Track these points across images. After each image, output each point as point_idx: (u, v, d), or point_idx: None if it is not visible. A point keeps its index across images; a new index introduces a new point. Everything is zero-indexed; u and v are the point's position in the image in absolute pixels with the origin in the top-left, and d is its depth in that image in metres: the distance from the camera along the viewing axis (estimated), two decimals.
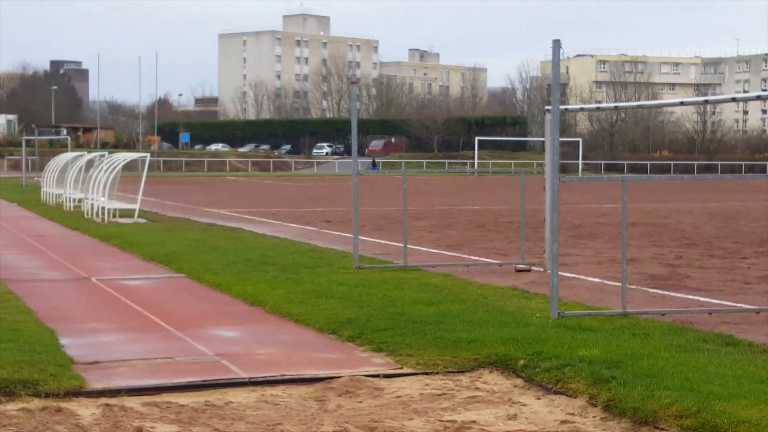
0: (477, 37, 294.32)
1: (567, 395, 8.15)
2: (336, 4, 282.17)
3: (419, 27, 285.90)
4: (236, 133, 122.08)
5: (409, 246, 16.80)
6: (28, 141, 63.99)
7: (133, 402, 8.02)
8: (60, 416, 7.63)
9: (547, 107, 15.17)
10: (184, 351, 9.85)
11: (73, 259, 17.87)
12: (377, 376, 8.85)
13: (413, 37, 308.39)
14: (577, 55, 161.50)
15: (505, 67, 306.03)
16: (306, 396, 8.31)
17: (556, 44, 11.17)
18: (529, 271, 16.09)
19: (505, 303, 12.29)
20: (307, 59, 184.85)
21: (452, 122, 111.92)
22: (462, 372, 9.04)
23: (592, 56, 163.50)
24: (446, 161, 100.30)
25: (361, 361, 9.45)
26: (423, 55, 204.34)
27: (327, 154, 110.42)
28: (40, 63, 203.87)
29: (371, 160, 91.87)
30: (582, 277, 15.47)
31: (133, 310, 12.44)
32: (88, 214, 28.47)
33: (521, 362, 8.99)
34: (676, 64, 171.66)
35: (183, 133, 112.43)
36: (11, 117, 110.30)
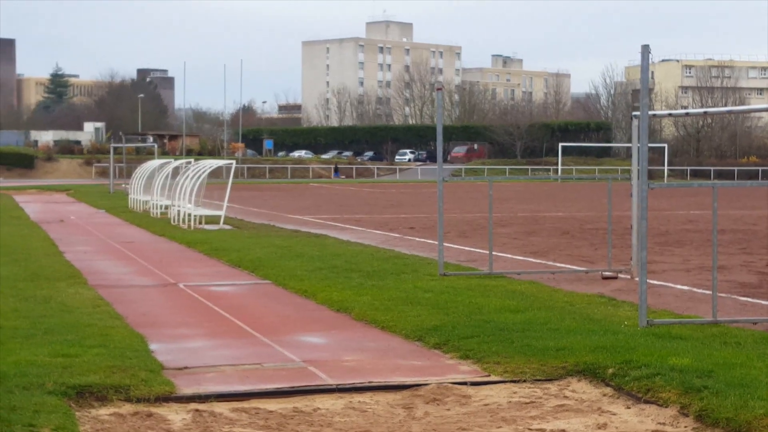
0: (560, 43, 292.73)
1: (658, 405, 8.04)
2: (419, 10, 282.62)
3: (502, 33, 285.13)
4: (319, 139, 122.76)
5: (494, 253, 16.73)
6: (115, 148, 65.02)
7: (222, 408, 8.10)
8: (151, 421, 7.73)
9: (634, 113, 14.99)
10: (272, 357, 9.92)
11: (160, 265, 18.10)
12: (464, 383, 8.82)
13: (496, 43, 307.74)
14: (663, 60, 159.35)
15: (589, 72, 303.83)
16: (393, 403, 8.32)
17: (645, 49, 11.04)
18: (615, 278, 15.91)
19: (593, 311, 12.17)
20: (389, 66, 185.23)
21: (535, 128, 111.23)
22: (550, 380, 8.97)
23: (677, 61, 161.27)
24: (529, 167, 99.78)
25: (448, 369, 9.43)
26: (506, 61, 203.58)
27: (409, 160, 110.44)
28: (128, 71, 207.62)
29: (334, 167, 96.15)
30: (670, 284, 15.25)
31: (220, 316, 12.56)
32: (174, 221, 28.85)
33: (610, 371, 8.89)
34: (764, 69, 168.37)
35: (267, 140, 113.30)
36: (99, 125, 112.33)
